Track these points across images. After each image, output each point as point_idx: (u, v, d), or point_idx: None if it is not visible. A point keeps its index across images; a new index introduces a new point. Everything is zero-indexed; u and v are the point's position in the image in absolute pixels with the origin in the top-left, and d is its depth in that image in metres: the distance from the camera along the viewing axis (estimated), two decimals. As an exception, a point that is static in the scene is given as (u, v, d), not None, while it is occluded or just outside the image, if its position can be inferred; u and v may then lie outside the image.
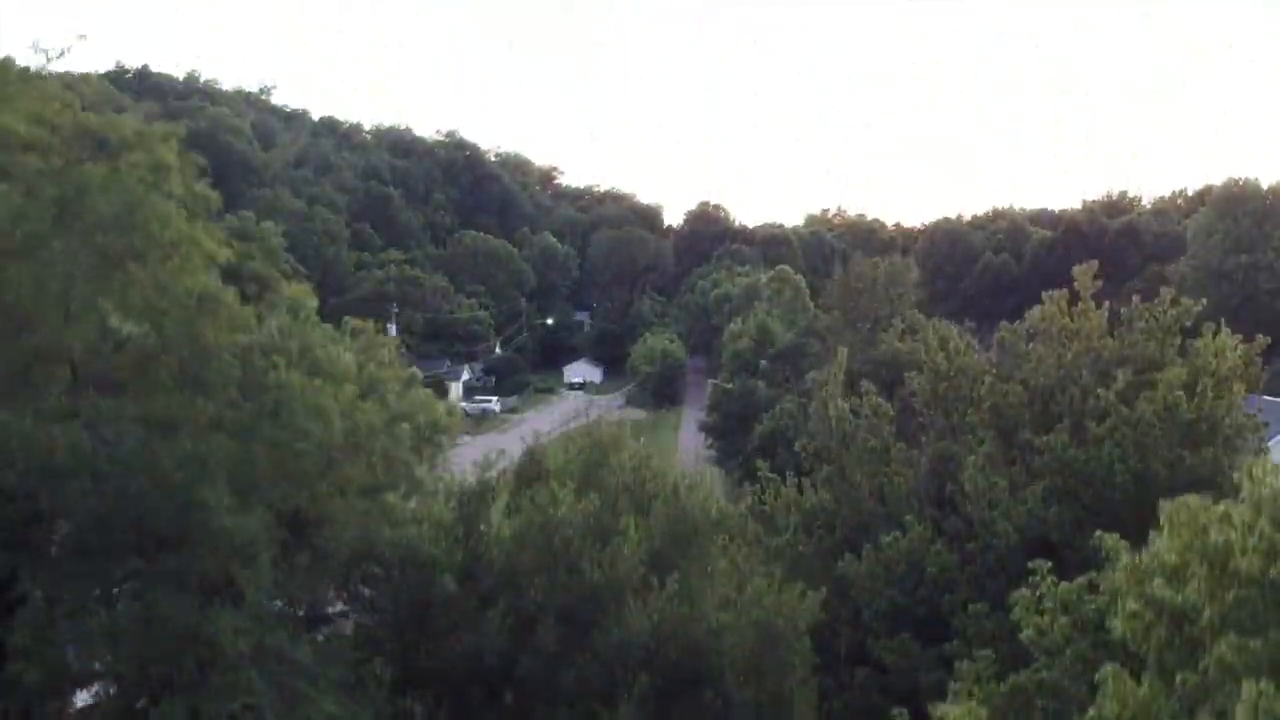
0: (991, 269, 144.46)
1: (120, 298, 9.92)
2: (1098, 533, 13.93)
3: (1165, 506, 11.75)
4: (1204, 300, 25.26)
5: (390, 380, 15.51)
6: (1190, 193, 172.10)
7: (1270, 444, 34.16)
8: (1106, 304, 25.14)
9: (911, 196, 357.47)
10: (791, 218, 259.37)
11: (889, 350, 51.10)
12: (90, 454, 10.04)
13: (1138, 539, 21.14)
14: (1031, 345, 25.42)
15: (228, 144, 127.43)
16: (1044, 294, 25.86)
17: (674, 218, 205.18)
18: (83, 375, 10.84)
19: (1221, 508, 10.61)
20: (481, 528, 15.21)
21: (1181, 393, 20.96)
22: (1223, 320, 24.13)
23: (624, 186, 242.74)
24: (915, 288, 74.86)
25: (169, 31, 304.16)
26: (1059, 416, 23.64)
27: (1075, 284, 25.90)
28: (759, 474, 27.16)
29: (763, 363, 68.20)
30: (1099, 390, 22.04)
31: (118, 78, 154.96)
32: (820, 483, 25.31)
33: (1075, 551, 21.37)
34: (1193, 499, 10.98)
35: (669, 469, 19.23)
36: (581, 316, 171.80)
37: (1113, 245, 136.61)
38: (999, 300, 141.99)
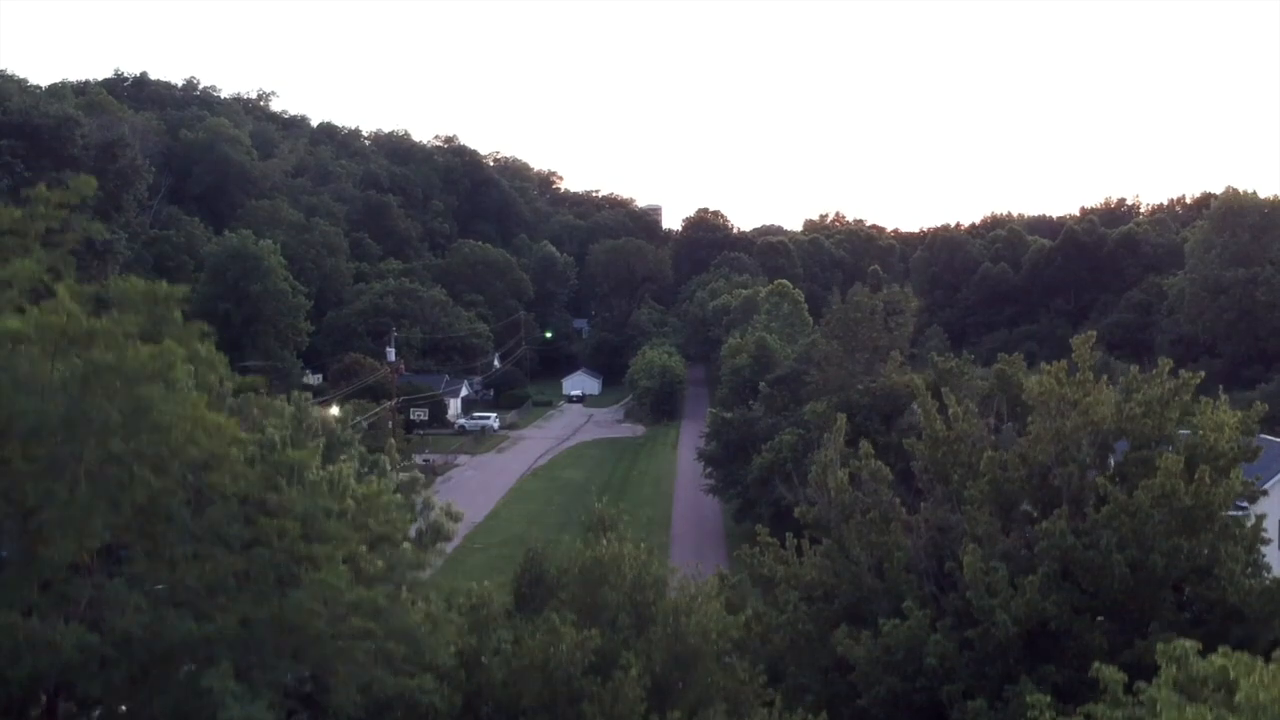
0: (990, 278, 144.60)
1: (122, 479, 9.99)
2: (1096, 664, 14.00)
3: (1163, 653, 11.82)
4: (1202, 373, 25.32)
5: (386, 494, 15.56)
6: (1189, 199, 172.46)
7: (1269, 485, 34.30)
8: (1105, 377, 25.23)
9: (910, 200, 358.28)
10: (790, 221, 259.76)
11: (887, 383, 51.16)
12: (95, 646, 10.12)
13: (1135, 628, 21.25)
14: (1030, 418, 25.47)
15: (226, 155, 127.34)
16: (1043, 365, 25.94)
17: (673, 221, 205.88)
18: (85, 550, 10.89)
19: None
20: (483, 659, 15.29)
21: (1179, 481, 20.97)
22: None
23: (623, 190, 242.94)
24: (915, 308, 74.97)
25: (168, 37, 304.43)
26: (1058, 493, 23.73)
27: (1074, 353, 26.05)
28: (759, 539, 27.29)
29: (762, 384, 68.20)
30: (1098, 479, 22.10)
31: (115, 85, 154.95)
32: (820, 554, 25.40)
33: (1074, 639, 21.51)
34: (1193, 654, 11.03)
35: (668, 569, 19.31)
36: (580, 324, 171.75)
37: (1111, 255, 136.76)
38: (997, 309, 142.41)
